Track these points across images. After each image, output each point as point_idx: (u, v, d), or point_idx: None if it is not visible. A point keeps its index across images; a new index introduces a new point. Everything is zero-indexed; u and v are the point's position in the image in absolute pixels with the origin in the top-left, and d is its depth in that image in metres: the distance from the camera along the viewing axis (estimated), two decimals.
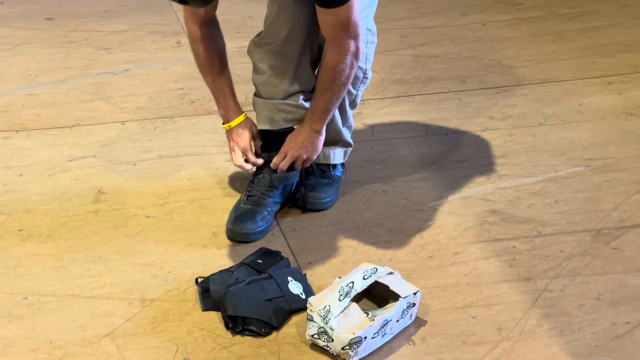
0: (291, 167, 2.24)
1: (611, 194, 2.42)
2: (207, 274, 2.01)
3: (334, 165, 2.38)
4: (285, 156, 2.21)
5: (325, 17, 2.01)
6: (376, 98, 3.02)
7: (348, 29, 2.01)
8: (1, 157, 2.56)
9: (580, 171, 2.54)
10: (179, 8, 3.79)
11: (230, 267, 2.03)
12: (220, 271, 2.01)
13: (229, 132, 2.24)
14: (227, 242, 2.19)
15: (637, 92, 3.07)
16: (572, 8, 3.93)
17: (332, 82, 2.10)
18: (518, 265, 2.11)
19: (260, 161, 2.24)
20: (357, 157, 2.59)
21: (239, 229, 2.18)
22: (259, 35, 2.18)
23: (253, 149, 2.25)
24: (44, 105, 2.90)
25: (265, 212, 2.22)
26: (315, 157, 2.24)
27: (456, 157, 2.63)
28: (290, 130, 2.24)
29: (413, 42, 3.54)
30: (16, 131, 2.72)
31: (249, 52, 2.20)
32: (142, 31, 3.58)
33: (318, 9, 2.00)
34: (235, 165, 2.23)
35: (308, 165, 2.25)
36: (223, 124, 2.25)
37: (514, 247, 2.19)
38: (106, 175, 2.48)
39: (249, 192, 2.26)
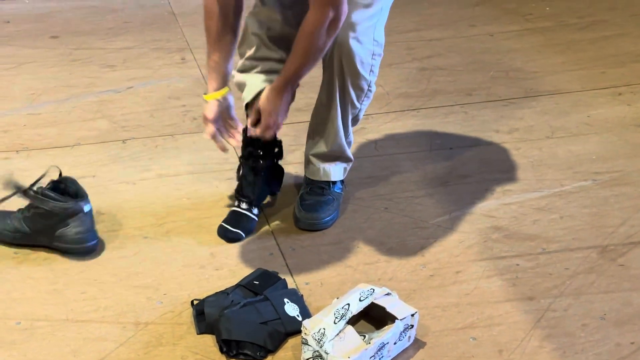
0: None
1: (618, 209, 2.36)
2: (203, 296, 1.98)
3: (334, 182, 2.34)
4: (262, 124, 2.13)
5: None
6: (380, 112, 2.98)
7: None
8: (1, 179, 2.54)
9: (587, 185, 2.49)
10: (184, 23, 3.80)
11: (226, 289, 2.00)
12: (216, 293, 1.98)
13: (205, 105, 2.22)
14: (225, 262, 2.16)
15: None
16: (582, 18, 3.88)
17: (307, 48, 2.03)
18: (521, 284, 2.07)
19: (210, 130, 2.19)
20: (360, 173, 2.55)
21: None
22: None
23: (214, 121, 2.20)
24: (46, 124, 2.89)
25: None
26: (282, 123, 2.15)
27: (460, 172, 2.59)
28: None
29: (419, 54, 3.51)
30: (17, 151, 2.71)
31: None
32: (147, 48, 3.57)
33: None
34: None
35: (275, 132, 2.19)
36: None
37: (518, 264, 2.14)
38: (105, 196, 2.46)
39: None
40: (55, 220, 2.14)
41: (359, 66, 2.13)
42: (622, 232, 2.26)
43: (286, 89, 2.11)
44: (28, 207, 2.18)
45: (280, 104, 2.11)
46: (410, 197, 2.45)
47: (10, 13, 3.93)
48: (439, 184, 2.52)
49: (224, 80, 2.21)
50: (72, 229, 2.13)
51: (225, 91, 2.20)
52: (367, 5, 2.07)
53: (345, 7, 2.00)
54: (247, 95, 2.25)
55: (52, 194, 2.14)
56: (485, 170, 2.60)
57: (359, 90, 2.20)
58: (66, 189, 2.19)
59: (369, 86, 2.22)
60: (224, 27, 2.18)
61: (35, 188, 2.17)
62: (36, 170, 2.58)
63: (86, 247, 2.16)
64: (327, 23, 1.99)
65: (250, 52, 2.25)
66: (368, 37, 2.12)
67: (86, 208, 2.15)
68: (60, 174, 2.20)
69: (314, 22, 2.00)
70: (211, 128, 2.19)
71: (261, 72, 2.25)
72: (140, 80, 3.24)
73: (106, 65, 3.38)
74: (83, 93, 3.13)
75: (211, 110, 2.19)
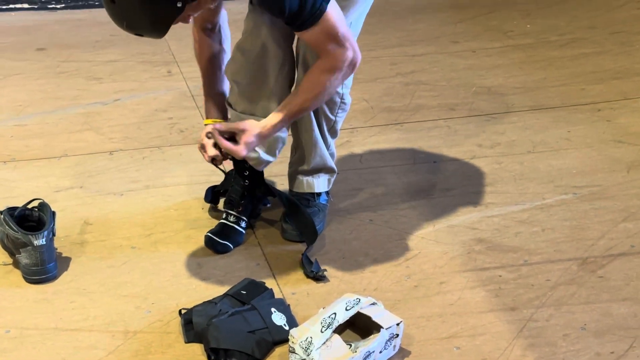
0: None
1: (598, 222, 2.41)
2: (191, 305, 2.00)
3: (319, 194, 2.38)
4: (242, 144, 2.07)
5: (308, 39, 1.99)
6: (365, 126, 3.02)
7: (337, 39, 1.97)
8: None
9: (568, 199, 2.54)
10: (170, 37, 3.83)
11: (214, 299, 2.02)
12: (204, 302, 2.01)
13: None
14: (213, 272, 2.18)
15: (626, 119, 3.08)
16: (562, 35, 3.95)
17: (319, 86, 2.03)
18: (504, 295, 2.10)
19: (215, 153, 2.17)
20: (345, 185, 2.59)
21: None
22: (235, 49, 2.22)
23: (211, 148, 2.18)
24: (33, 136, 2.91)
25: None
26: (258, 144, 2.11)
27: (444, 185, 2.63)
28: None
29: (403, 69, 3.56)
30: (4, 162, 2.73)
31: (225, 71, 2.24)
32: (133, 61, 3.60)
33: (300, 34, 1.99)
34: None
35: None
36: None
37: (500, 276, 2.18)
38: (93, 206, 2.48)
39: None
40: (14, 245, 2.15)
41: None
42: (601, 244, 2.31)
43: (283, 122, 2.08)
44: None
45: (263, 132, 2.07)
46: (394, 210, 2.49)
47: None
48: (422, 196, 2.57)
49: (222, 109, 2.28)
50: (22, 259, 2.12)
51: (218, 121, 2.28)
52: None
53: (357, 48, 2.02)
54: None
55: (9, 220, 2.14)
56: (468, 183, 2.64)
57: (331, 103, 2.24)
58: (32, 216, 2.19)
59: (342, 98, 2.26)
60: (213, 54, 2.26)
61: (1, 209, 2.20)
62: (23, 181, 2.61)
63: (32, 279, 2.12)
64: (346, 65, 2.01)
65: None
66: (354, 36, 2.14)
67: (37, 242, 2.09)
68: (42, 203, 2.21)
69: (332, 64, 2.00)
70: (213, 152, 2.16)
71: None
72: (127, 92, 3.27)
73: (93, 78, 3.40)
74: (70, 105, 3.16)
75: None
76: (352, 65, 2.02)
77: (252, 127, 2.07)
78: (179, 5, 1.85)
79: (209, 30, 2.27)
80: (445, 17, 4.25)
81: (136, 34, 1.90)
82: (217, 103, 2.30)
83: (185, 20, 1.96)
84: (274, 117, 2.07)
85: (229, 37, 2.31)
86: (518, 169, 2.72)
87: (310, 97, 2.06)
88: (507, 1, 4.46)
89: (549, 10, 4.32)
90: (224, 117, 2.30)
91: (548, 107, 3.18)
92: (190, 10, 1.92)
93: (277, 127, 2.09)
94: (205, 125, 2.26)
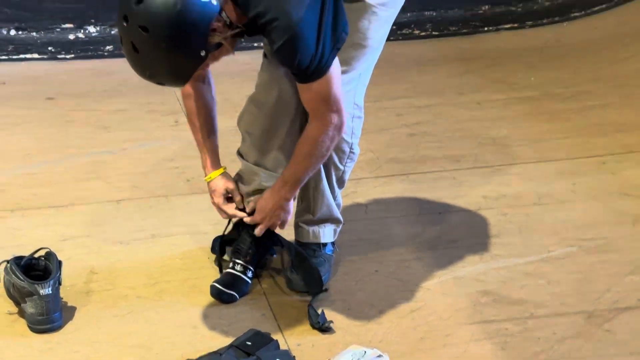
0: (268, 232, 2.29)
1: (604, 275, 2.41)
2: (196, 356, 2.00)
3: (325, 244, 2.38)
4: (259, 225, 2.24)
5: (305, 92, 2.03)
6: (370, 177, 3.04)
7: (328, 103, 2.02)
8: None
9: (574, 251, 2.54)
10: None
11: (219, 349, 2.02)
12: (209, 353, 2.00)
13: (208, 186, 2.30)
14: (217, 322, 2.18)
15: (631, 171, 3.08)
16: (567, 88, 3.97)
17: (310, 154, 2.10)
18: (509, 348, 2.10)
19: (234, 212, 2.29)
20: (350, 236, 2.59)
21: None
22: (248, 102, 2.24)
23: (226, 201, 2.29)
24: (41, 184, 2.93)
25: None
26: (289, 219, 2.27)
27: (449, 236, 2.63)
28: None
29: (408, 120, 3.58)
30: (12, 211, 2.74)
31: (238, 122, 2.25)
32: (142, 110, 3.63)
33: (298, 85, 2.03)
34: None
35: (284, 227, 2.28)
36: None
37: (506, 329, 2.17)
38: (99, 255, 2.49)
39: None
40: (19, 294, 2.16)
41: None
42: (608, 297, 2.30)
43: (284, 191, 2.17)
44: None
45: (275, 205, 2.20)
46: (400, 260, 2.49)
47: (7, 74, 3.98)
48: (428, 247, 2.57)
49: (218, 159, 2.29)
50: (28, 308, 2.12)
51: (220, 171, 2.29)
52: (344, 71, 2.12)
53: (346, 111, 2.08)
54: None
55: (15, 269, 2.15)
56: (474, 234, 2.64)
57: (340, 152, 2.26)
58: (38, 265, 2.20)
59: (351, 148, 2.28)
60: (209, 107, 2.27)
61: (8, 259, 2.20)
62: (30, 229, 2.62)
63: (37, 329, 2.12)
64: (332, 129, 2.06)
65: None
66: (348, 101, 2.16)
67: (43, 291, 2.09)
68: (49, 252, 2.22)
69: (319, 128, 2.06)
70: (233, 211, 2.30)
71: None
72: (135, 142, 3.29)
73: (101, 127, 3.43)
74: (78, 154, 3.18)
75: (229, 182, 2.27)
76: (338, 128, 2.07)
77: (269, 218, 2.23)
78: (203, 54, 1.86)
79: (201, 83, 2.26)
80: (450, 69, 4.28)
81: (157, 83, 1.91)
82: (216, 156, 2.30)
83: (204, 68, 1.99)
84: (278, 194, 2.19)
85: (214, 87, 2.32)
86: (523, 221, 2.72)
87: (305, 165, 2.13)
88: (512, 53, 4.49)
89: (553, 63, 4.35)
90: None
91: (553, 160, 3.19)
92: (211, 59, 1.95)
93: (288, 200, 2.21)
94: (209, 182, 2.27)
